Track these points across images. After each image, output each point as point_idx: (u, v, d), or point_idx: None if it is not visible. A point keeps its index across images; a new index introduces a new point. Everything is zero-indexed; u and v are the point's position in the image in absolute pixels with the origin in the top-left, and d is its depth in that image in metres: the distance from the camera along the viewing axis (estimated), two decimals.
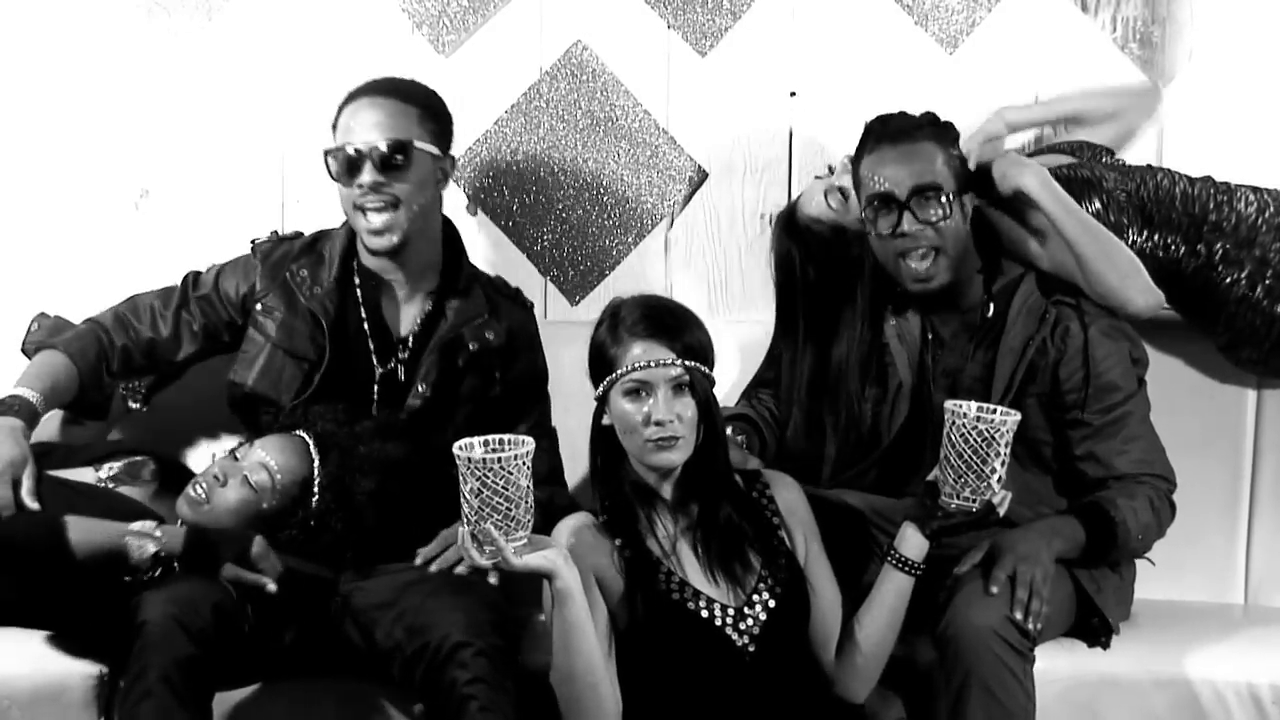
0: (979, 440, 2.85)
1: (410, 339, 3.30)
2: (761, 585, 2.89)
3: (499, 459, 2.68)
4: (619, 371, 2.84)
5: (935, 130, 3.24)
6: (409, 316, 3.33)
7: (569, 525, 2.89)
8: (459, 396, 3.28)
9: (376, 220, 3.22)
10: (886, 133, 3.22)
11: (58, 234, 3.78)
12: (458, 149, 3.82)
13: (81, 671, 2.98)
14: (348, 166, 3.22)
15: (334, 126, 3.28)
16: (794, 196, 3.61)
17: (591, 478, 2.94)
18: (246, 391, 3.29)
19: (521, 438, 2.73)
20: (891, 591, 2.95)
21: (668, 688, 2.83)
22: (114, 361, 3.30)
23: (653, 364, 2.83)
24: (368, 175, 3.20)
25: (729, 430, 3.30)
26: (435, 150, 3.28)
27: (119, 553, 2.93)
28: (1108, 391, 3.22)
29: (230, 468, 3.10)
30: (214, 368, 3.41)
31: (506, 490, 2.68)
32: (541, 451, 3.19)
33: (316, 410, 3.19)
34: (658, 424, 2.82)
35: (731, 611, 2.86)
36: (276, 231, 3.43)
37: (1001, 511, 2.90)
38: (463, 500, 2.70)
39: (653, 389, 2.83)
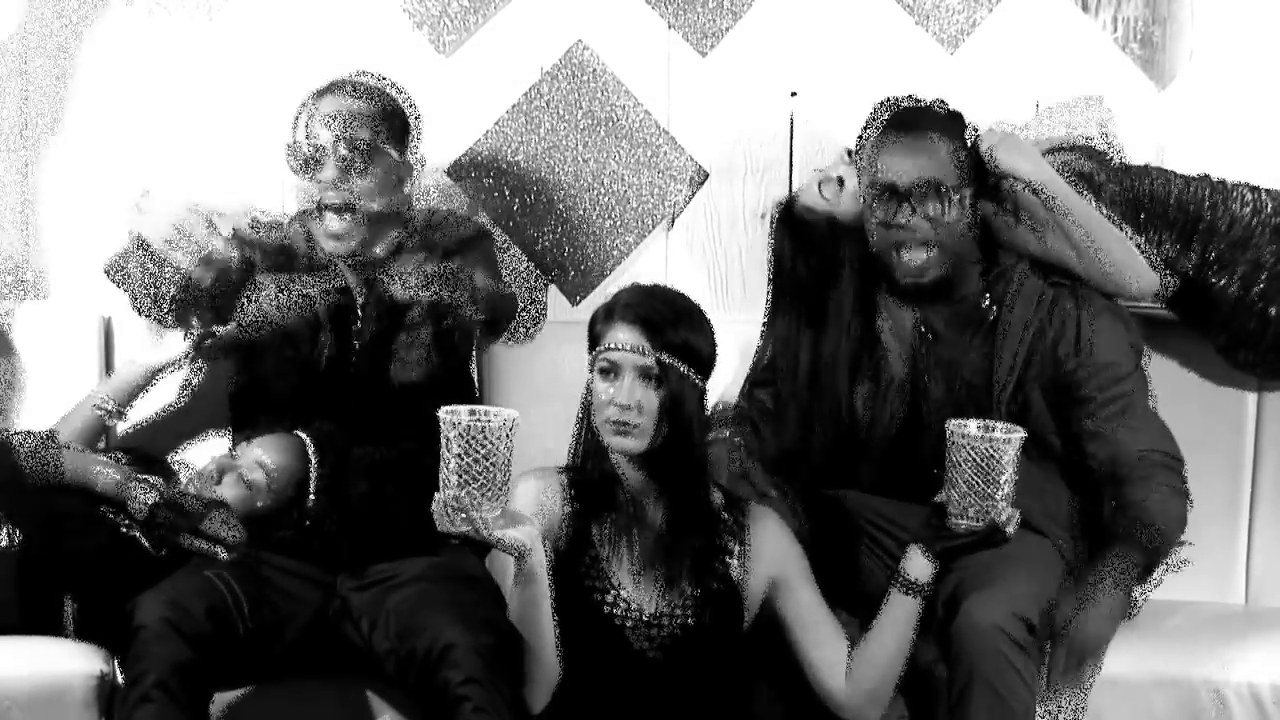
0: (982, 460, 2.83)
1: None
2: (687, 603, 2.90)
3: (483, 427, 2.70)
4: (598, 349, 2.90)
5: (943, 120, 3.21)
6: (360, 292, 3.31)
7: (532, 480, 2.94)
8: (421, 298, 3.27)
9: (335, 225, 3.22)
10: (894, 120, 3.20)
11: (58, 233, 3.78)
12: (458, 149, 3.84)
13: (82, 672, 2.98)
14: (308, 162, 3.22)
15: (295, 121, 3.28)
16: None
17: (573, 444, 2.97)
18: (239, 336, 3.30)
19: (506, 410, 2.76)
20: (899, 615, 2.95)
21: (571, 673, 2.86)
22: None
23: (625, 348, 2.86)
24: (329, 172, 3.20)
25: (727, 433, 3.30)
26: (393, 153, 3.27)
27: (110, 490, 3.02)
28: (1106, 367, 3.20)
29: (227, 464, 3.11)
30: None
31: (488, 460, 2.70)
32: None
33: (314, 410, 3.20)
34: (617, 407, 2.86)
35: (645, 617, 2.88)
36: (256, 218, 3.40)
37: (1010, 530, 2.89)
38: (442, 467, 2.72)
39: (621, 372, 2.87)
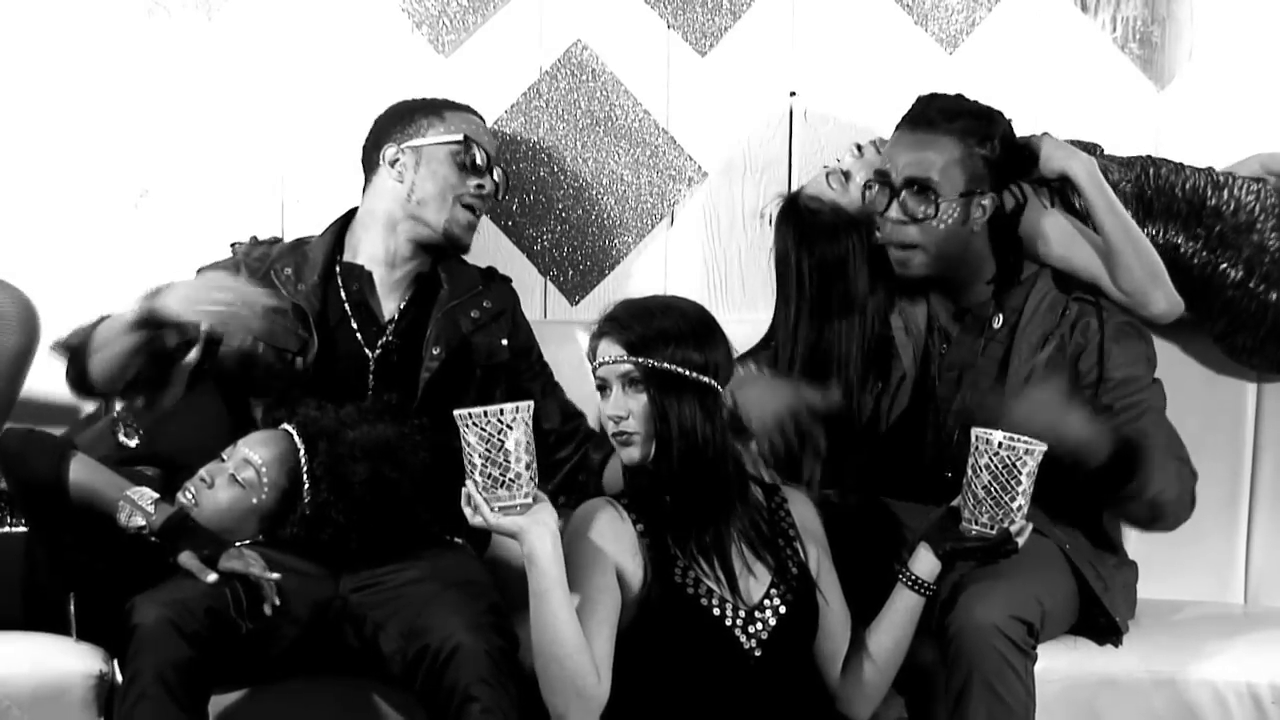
0: (1000, 468, 2.84)
1: (395, 319, 3.37)
2: (773, 591, 2.90)
3: (501, 412, 2.74)
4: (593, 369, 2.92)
5: (968, 124, 3.20)
6: (391, 301, 3.39)
7: (588, 511, 2.91)
8: (472, 359, 3.37)
9: (473, 218, 3.43)
10: (920, 117, 3.20)
11: (57, 233, 3.78)
12: None
13: (81, 671, 2.98)
14: (476, 165, 3.40)
15: (435, 115, 3.40)
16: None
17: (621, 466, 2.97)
18: (228, 374, 3.32)
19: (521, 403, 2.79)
20: (902, 610, 2.95)
21: (670, 682, 2.84)
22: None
23: (606, 360, 2.88)
24: (491, 183, 3.43)
25: None
26: None
27: (110, 507, 2.97)
28: (1126, 381, 3.21)
29: (216, 469, 3.10)
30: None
31: (503, 449, 2.74)
32: (556, 406, 3.39)
33: (298, 399, 3.20)
34: (611, 420, 2.88)
35: (743, 613, 2.87)
36: (255, 236, 3.48)
37: (1020, 542, 2.89)
38: (465, 463, 2.77)
39: (609, 385, 2.88)
